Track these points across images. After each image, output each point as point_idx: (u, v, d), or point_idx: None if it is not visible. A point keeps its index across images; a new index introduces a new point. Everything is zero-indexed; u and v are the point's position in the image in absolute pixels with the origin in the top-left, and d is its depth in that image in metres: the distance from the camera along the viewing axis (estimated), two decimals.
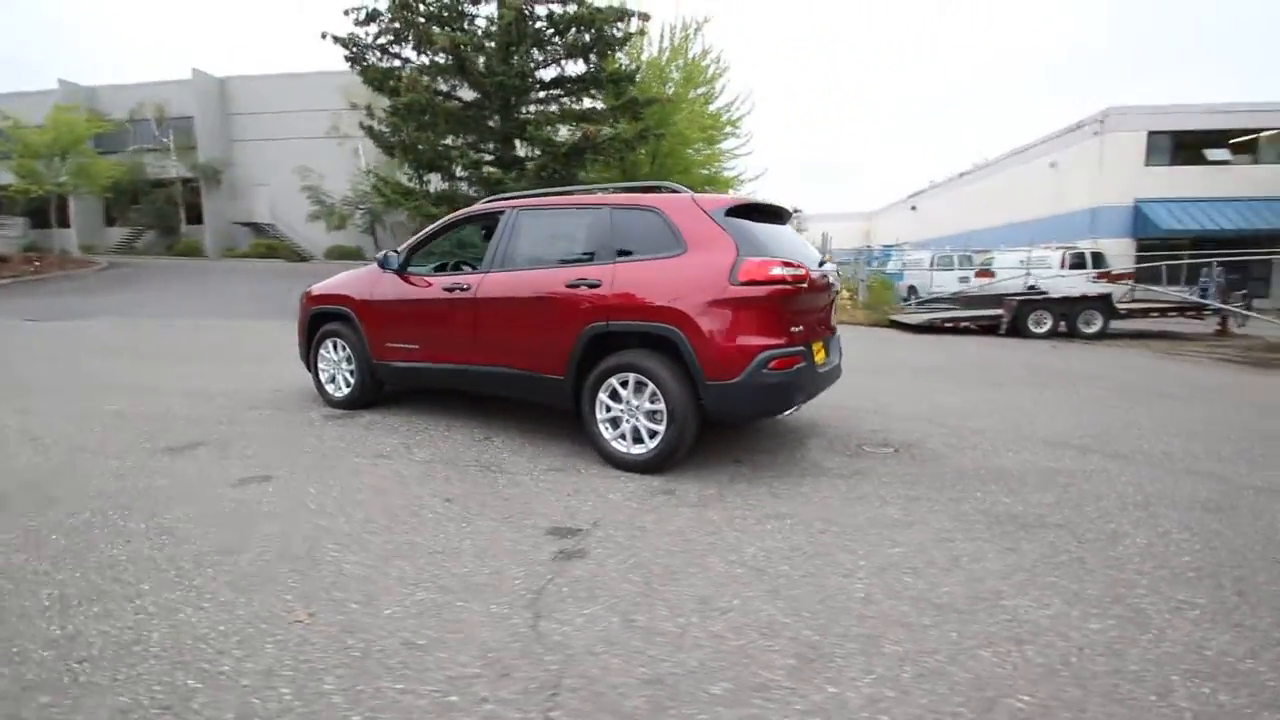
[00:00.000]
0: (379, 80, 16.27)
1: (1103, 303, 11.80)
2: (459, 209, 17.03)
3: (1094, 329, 11.72)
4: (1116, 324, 11.85)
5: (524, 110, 17.69)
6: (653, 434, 3.42)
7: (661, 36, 22.24)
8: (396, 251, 4.41)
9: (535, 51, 16.84)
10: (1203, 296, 13.51)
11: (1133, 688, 1.71)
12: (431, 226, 4.47)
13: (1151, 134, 20.87)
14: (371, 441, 3.95)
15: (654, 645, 1.86)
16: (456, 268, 4.90)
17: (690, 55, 21.85)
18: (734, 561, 2.42)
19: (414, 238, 4.49)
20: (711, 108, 22.71)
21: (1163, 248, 20.12)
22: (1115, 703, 1.64)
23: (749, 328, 3.21)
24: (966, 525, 2.81)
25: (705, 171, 22.72)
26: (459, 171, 17.10)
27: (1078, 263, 16.60)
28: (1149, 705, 1.64)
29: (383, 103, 16.71)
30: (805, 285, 3.38)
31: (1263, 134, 20.84)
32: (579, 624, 1.97)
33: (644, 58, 21.21)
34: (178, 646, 1.82)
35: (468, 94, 17.13)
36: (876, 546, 2.57)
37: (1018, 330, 11.85)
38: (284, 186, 27.96)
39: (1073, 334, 11.78)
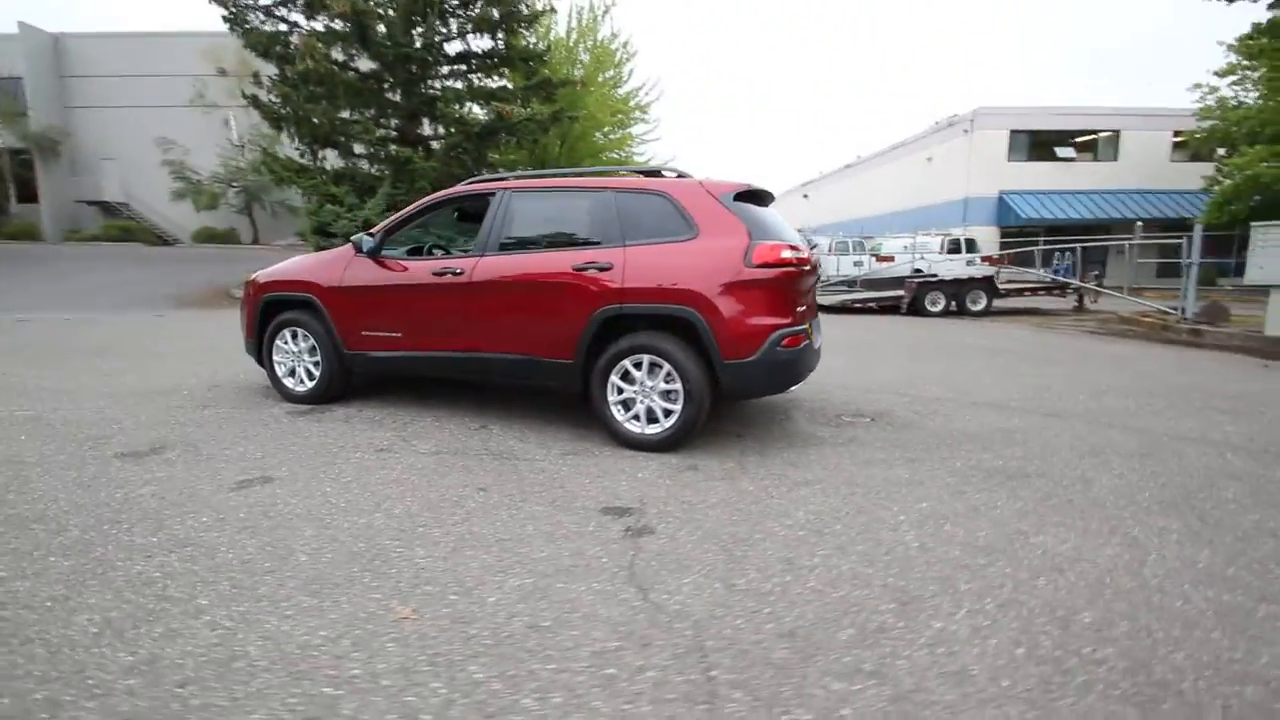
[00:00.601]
0: (264, 45, 14.77)
1: (986, 283, 13.23)
2: (363, 187, 16.04)
3: (979, 307, 13.12)
4: (997, 302, 13.35)
5: (429, 86, 16.81)
6: (667, 413, 3.51)
7: (569, 18, 21.94)
8: (371, 234, 4.14)
9: (440, 24, 16.00)
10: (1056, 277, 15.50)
11: (1160, 597, 2.05)
12: (410, 207, 4.23)
13: (1013, 132, 23.45)
14: (359, 436, 3.73)
15: (767, 604, 1.98)
16: (428, 251, 4.68)
17: (599, 38, 21.75)
18: (791, 525, 2.58)
19: (390, 219, 4.23)
20: (620, 91, 22.78)
21: (1021, 235, 22.71)
22: (1153, 610, 1.97)
23: (762, 308, 3.37)
24: (967, 479, 3.15)
25: (616, 156, 22.77)
26: (358, 148, 15.99)
27: (954, 248, 18.43)
28: (1178, 610, 1.98)
29: (268, 70, 15.23)
30: (807, 268, 3.60)
31: (1100, 135, 24.05)
32: (687, 592, 2.04)
33: (551, 37, 20.84)
34: (285, 657, 1.70)
35: (364, 65, 16.01)
36: (905, 503, 2.83)
37: (916, 309, 13.01)
38: (139, 161, 24.79)
39: (961, 311, 13.12)
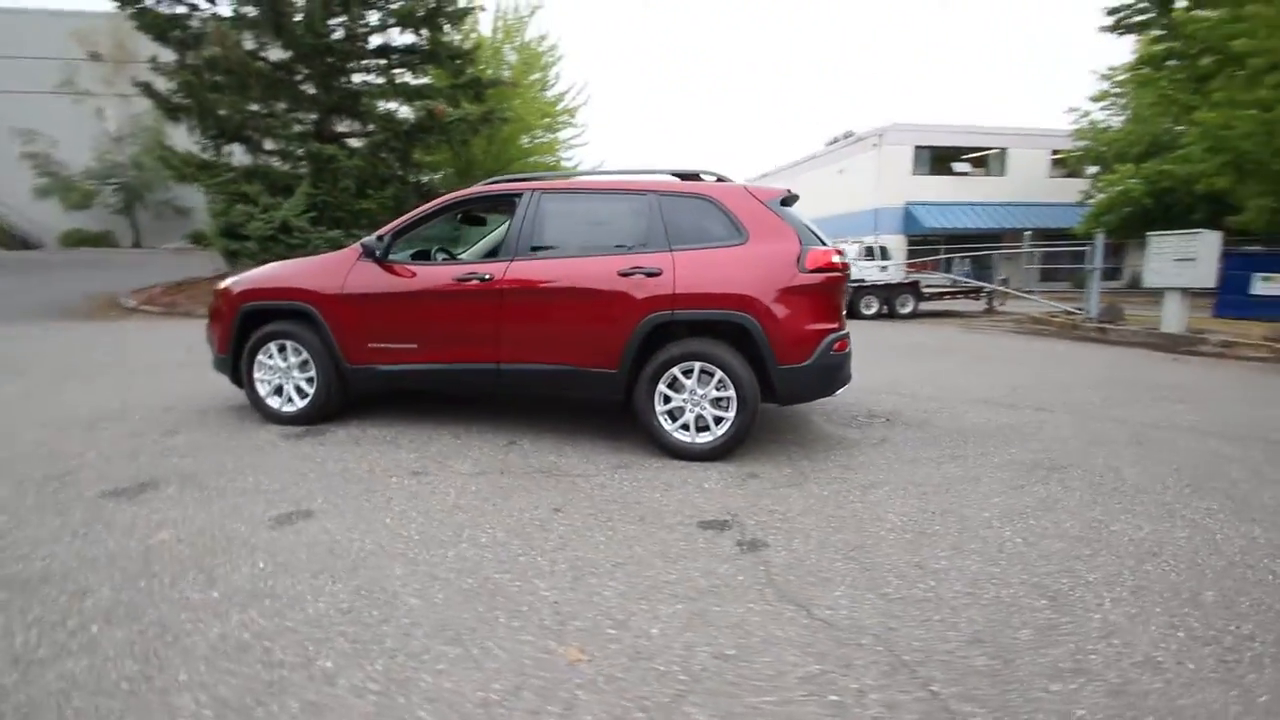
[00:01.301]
0: (161, 28, 13.33)
1: (913, 288, 14.15)
2: (276, 186, 15.00)
3: (907, 309, 14.01)
4: (921, 305, 14.30)
5: (347, 80, 15.84)
6: (718, 421, 3.44)
7: (495, 17, 21.42)
8: (379, 237, 3.78)
9: (361, 15, 15.10)
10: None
11: (1251, 572, 2.23)
12: (422, 208, 3.90)
13: (917, 148, 25.30)
14: (382, 459, 3.39)
15: (932, 609, 1.95)
16: (429, 256, 4.36)
17: (526, 38, 21.38)
18: (892, 529, 2.58)
19: (399, 220, 3.89)
20: (548, 94, 22.48)
21: (925, 243, 24.47)
22: (1257, 585, 2.13)
23: (815, 313, 3.39)
24: (1015, 473, 3.31)
25: (549, 160, 22.42)
26: (270, 144, 14.77)
27: (869, 255, 19.61)
28: (1259, 578, 2.16)
29: (165, 55, 13.73)
30: (848, 273, 3.65)
31: (990, 152, 26.46)
32: (846, 605, 1.98)
33: (475, 36, 20.24)
34: (462, 718, 1.48)
35: (275, 55, 14.82)
36: (979, 500, 2.92)
37: (852, 312, 13.68)
38: None
39: (891, 315, 13.94)
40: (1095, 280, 10.98)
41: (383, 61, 16.23)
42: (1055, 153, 25.40)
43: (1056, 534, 2.54)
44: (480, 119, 16.54)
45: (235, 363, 4.06)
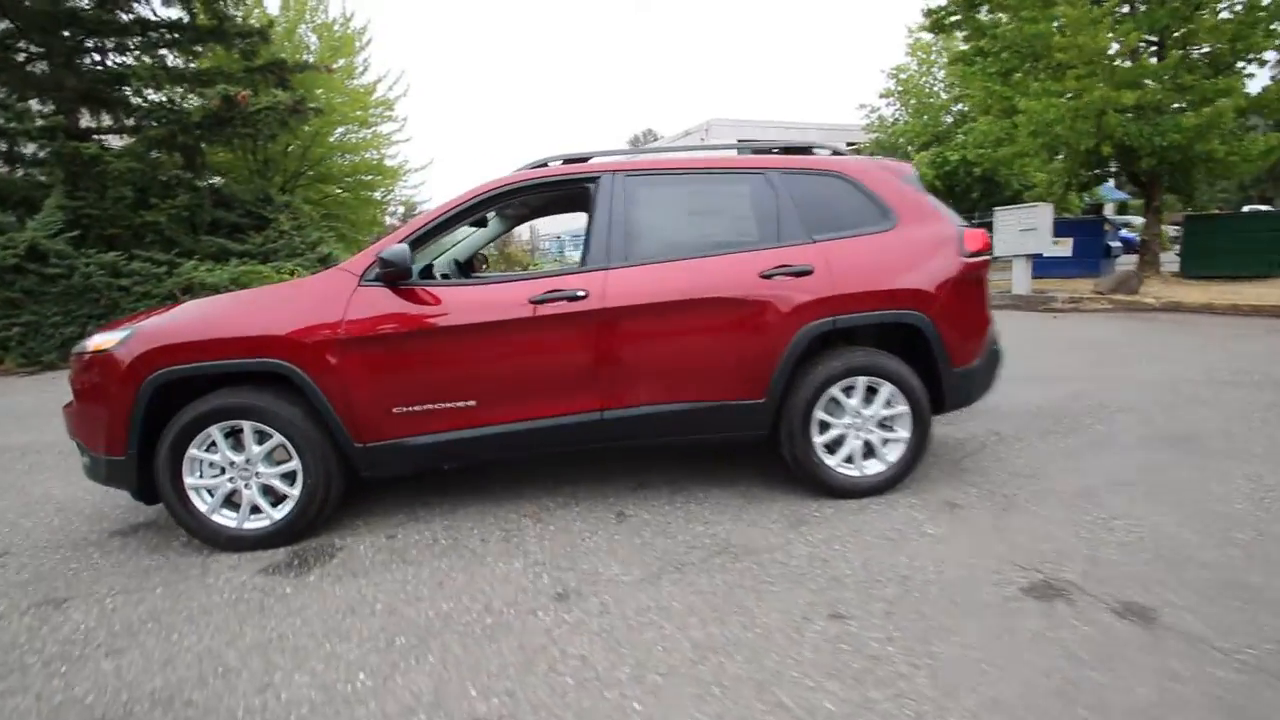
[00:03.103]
0: None
1: None
2: (11, 199, 11.68)
3: None
4: None
5: (99, 62, 12.35)
6: (885, 443, 2.84)
7: None
8: (405, 248, 2.50)
9: None
10: None
11: None
12: (449, 204, 2.69)
13: (740, 141, 26.71)
14: (477, 584, 2.25)
15: None
16: (429, 273, 3.13)
17: (328, 17, 18.54)
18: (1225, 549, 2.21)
19: (416, 223, 2.65)
20: (358, 83, 19.75)
21: None
22: None
23: (980, 303, 2.93)
24: (1202, 455, 3.17)
25: (370, 157, 19.72)
26: None
27: None
28: None
29: None
30: None
31: (798, 144, 28.88)
32: None
33: (260, 13, 17.00)
34: None
35: None
36: (1214, 487, 2.69)
37: None
38: None
39: None
40: None
41: (143, 39, 12.83)
42: (850, 144, 28.54)
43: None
44: (290, 109, 13.83)
45: (143, 466, 2.51)
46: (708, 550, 2.40)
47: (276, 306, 2.55)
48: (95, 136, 12.63)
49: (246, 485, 2.56)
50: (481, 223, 3.45)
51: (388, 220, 22.25)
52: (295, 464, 2.55)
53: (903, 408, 2.81)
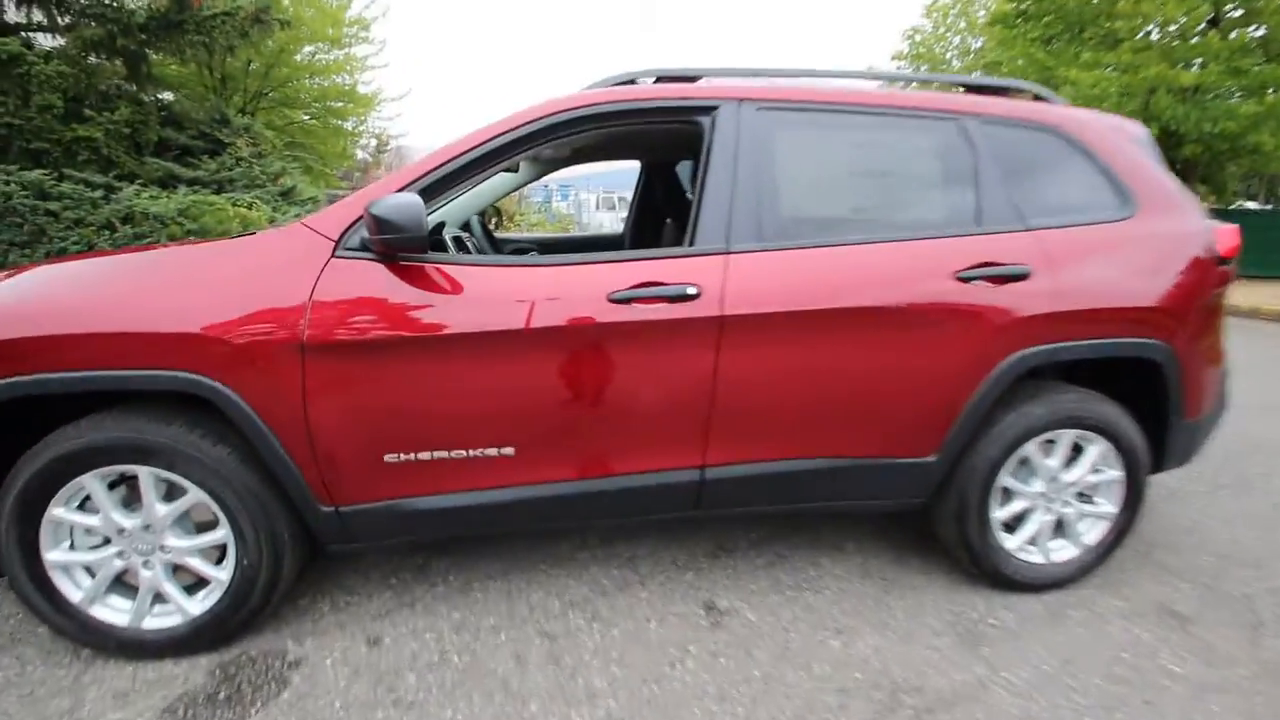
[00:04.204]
0: None
1: None
2: None
3: None
4: None
5: None
6: (1080, 519, 2.03)
7: None
8: (415, 201, 1.51)
9: None
10: None
11: None
12: (482, 134, 1.68)
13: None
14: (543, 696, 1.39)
15: None
16: (446, 242, 2.15)
17: None
18: None
19: (428, 162, 1.65)
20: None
21: None
22: None
23: (1220, 331, 2.09)
24: None
25: (341, 82, 17.86)
26: None
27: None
28: None
29: None
30: None
31: None
32: None
33: None
34: None
35: None
36: None
37: None
38: None
39: None
40: None
41: None
42: None
43: None
44: (251, 18, 12.06)
45: None
46: (866, 698, 1.57)
47: (191, 281, 1.55)
48: (25, 34, 10.86)
49: (146, 563, 1.62)
50: (514, 166, 2.45)
51: (359, 154, 20.44)
52: (223, 532, 1.61)
53: (1115, 473, 1.99)
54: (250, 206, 9.53)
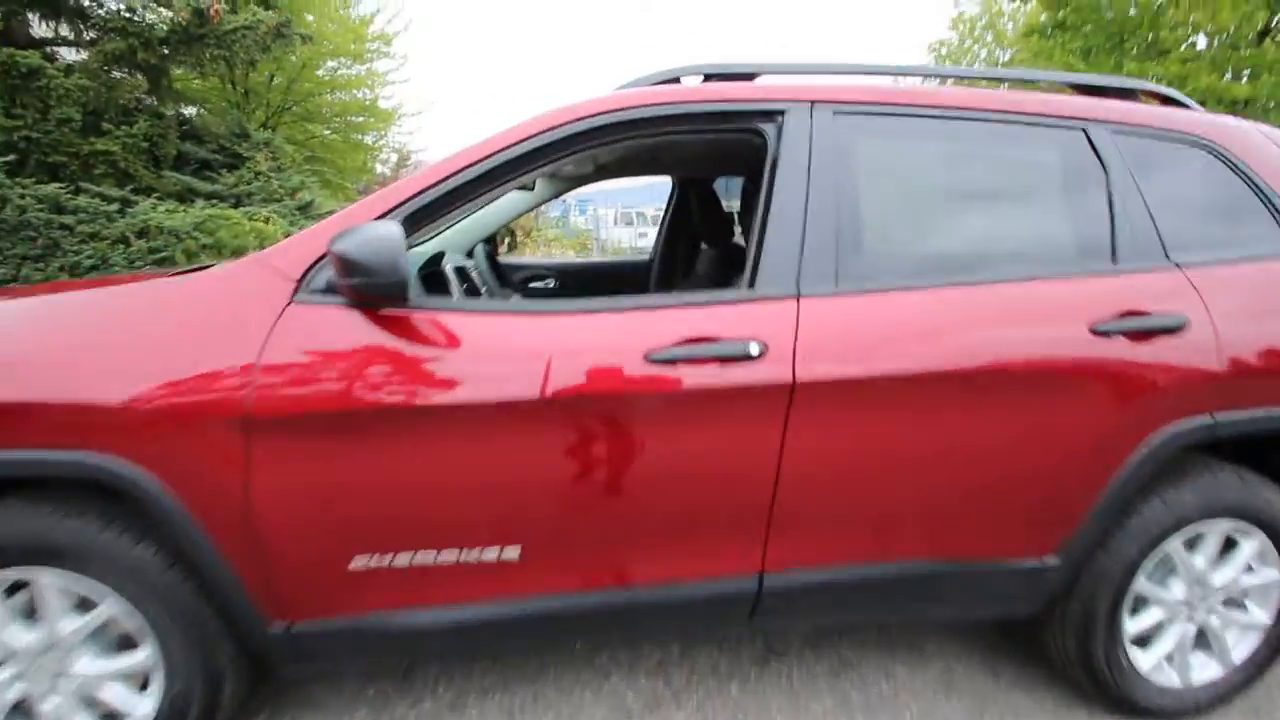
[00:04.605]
0: None
1: None
2: None
3: None
4: None
5: None
6: (1225, 628, 1.60)
7: None
8: (394, 231, 1.14)
9: None
10: None
11: None
12: (487, 146, 1.32)
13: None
14: None
15: None
16: (447, 275, 1.80)
17: None
18: None
19: (416, 182, 1.30)
20: (354, 12, 17.84)
21: None
22: None
23: None
24: None
25: (362, 97, 17.89)
26: None
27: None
28: None
29: None
30: None
31: None
32: None
33: None
34: None
35: None
36: None
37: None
38: None
39: None
40: None
41: None
42: None
43: None
44: (273, 31, 12.06)
45: None
46: None
47: (106, 334, 1.21)
48: (50, 49, 10.91)
49: (51, 691, 1.27)
50: (529, 184, 2.09)
51: (378, 169, 20.42)
52: (147, 653, 1.26)
53: (1274, 573, 1.56)
54: (266, 220, 9.35)
